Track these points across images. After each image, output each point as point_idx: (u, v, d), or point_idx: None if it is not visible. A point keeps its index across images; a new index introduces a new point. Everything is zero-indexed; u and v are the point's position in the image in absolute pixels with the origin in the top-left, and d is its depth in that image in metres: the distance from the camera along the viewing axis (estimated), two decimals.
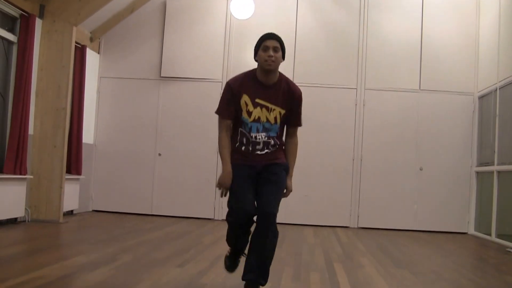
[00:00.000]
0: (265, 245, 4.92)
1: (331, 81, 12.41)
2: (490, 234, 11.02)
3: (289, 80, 5.21)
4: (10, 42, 9.77)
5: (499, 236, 10.69)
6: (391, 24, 12.75)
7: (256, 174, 5.06)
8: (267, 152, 5.09)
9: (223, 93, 5.16)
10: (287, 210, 11.86)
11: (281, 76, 5.14)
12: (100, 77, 13.00)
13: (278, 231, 4.94)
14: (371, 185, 12.49)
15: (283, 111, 5.08)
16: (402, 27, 12.70)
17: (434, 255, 8.89)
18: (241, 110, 5.05)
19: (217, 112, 5.15)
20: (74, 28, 10.43)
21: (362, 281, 6.17)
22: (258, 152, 5.08)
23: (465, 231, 12.31)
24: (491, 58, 11.67)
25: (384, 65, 12.64)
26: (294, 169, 5.19)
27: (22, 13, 9.72)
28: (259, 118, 5.02)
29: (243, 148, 5.09)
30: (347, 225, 12.44)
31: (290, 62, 12.25)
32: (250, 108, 5.02)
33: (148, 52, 12.96)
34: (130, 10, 12.71)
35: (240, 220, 5.00)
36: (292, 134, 5.26)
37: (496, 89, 11.16)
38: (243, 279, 5.00)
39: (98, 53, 12.95)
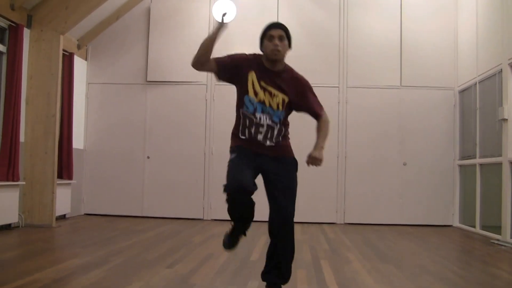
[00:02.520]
0: (285, 249, 5.08)
1: (313, 80, 12.09)
2: (474, 226, 11.22)
3: (294, 70, 5.16)
4: None
5: (483, 227, 10.90)
6: (371, 22, 12.95)
7: (260, 166, 5.06)
8: (270, 145, 5.08)
9: (236, 54, 5.16)
10: None
11: (287, 65, 5.14)
12: (88, 83, 13.16)
13: (294, 235, 5.10)
14: (356, 181, 12.66)
15: (286, 99, 5.05)
16: (382, 25, 12.90)
17: (419, 249, 9.02)
18: (247, 89, 5.02)
19: (216, 59, 5.08)
20: (62, 37, 10.57)
21: (348, 277, 6.30)
22: (261, 140, 5.05)
23: (450, 224, 12.50)
24: (470, 52, 11.86)
25: (365, 63, 12.83)
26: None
27: (10, 24, 9.86)
28: (264, 101, 4.99)
29: (246, 131, 5.06)
30: (334, 221, 12.61)
31: None
32: (257, 88, 5.00)
33: (134, 58, 13.12)
34: (115, 17, 12.86)
35: (236, 197, 4.95)
36: (319, 119, 5.25)
37: (476, 83, 11.37)
38: (263, 280, 5.20)
39: (86, 59, 13.10)
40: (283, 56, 5.03)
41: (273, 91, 5.02)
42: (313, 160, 5.01)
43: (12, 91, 9.69)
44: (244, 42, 12.25)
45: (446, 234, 11.13)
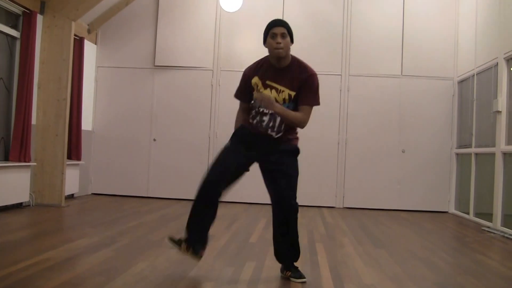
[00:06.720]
0: (289, 231, 5.48)
1: (317, 68, 12.14)
2: (468, 213, 11.47)
3: (302, 62, 5.33)
4: (13, 38, 10.18)
5: (476, 215, 11.14)
6: (374, 12, 13.17)
7: (257, 156, 5.43)
8: (271, 135, 5.35)
9: (243, 73, 5.49)
10: None
11: (293, 58, 5.32)
12: (98, 67, 13.42)
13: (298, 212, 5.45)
14: (356, 167, 12.93)
15: (293, 93, 5.22)
16: (384, 16, 13.12)
17: (412, 234, 9.25)
18: (252, 90, 5.34)
19: (234, 96, 5.60)
20: (73, 23, 10.81)
21: (339, 261, 6.55)
22: (264, 126, 5.32)
23: (446, 210, 12.77)
24: (469, 44, 12.08)
25: (367, 52, 13.06)
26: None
27: (24, 10, 10.13)
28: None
29: (254, 121, 5.37)
30: (333, 205, 12.90)
31: None
32: (261, 89, 5.27)
33: (142, 43, 13.38)
34: (125, 3, 13.09)
35: (202, 193, 5.79)
36: (301, 111, 5.30)
37: (474, 75, 11.58)
38: (280, 262, 5.66)
39: (96, 44, 13.36)
40: (286, 53, 5.20)
41: (279, 87, 5.25)
42: (261, 96, 5.25)
43: (24, 75, 9.97)
44: (250, 33, 12.65)
45: (440, 220, 11.35)
